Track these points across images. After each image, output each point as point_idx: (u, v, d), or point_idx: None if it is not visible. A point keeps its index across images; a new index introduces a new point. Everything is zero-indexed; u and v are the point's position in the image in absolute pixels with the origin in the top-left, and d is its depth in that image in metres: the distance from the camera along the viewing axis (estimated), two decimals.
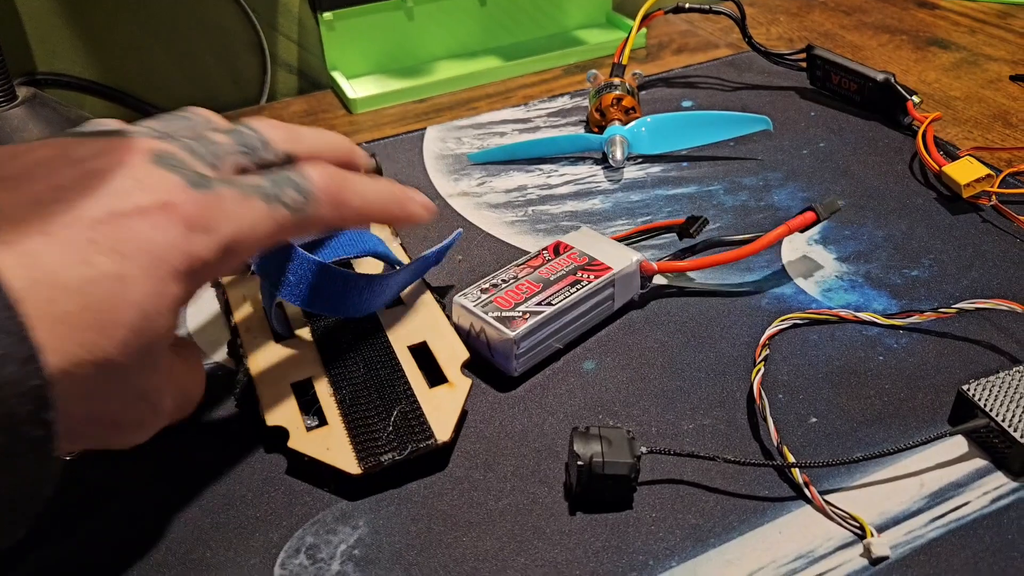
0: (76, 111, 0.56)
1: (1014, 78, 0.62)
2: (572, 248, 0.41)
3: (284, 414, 0.34)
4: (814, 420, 0.35)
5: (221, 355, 0.40)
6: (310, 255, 0.35)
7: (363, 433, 0.33)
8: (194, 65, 0.66)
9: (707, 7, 0.62)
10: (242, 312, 0.40)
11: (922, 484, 0.32)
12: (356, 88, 0.66)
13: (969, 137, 0.55)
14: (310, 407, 0.35)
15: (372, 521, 0.32)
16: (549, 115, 0.60)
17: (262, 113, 0.64)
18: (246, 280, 0.42)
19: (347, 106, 0.64)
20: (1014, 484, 0.32)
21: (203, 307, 0.43)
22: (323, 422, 0.34)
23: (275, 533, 0.31)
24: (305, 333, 0.38)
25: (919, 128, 0.52)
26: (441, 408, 0.34)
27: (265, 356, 0.37)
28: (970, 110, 0.58)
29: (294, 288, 0.36)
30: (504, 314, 0.37)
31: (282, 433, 0.33)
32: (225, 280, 0.42)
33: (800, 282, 0.43)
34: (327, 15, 0.64)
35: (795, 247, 0.45)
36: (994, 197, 0.47)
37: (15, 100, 0.52)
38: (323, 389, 0.35)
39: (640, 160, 0.54)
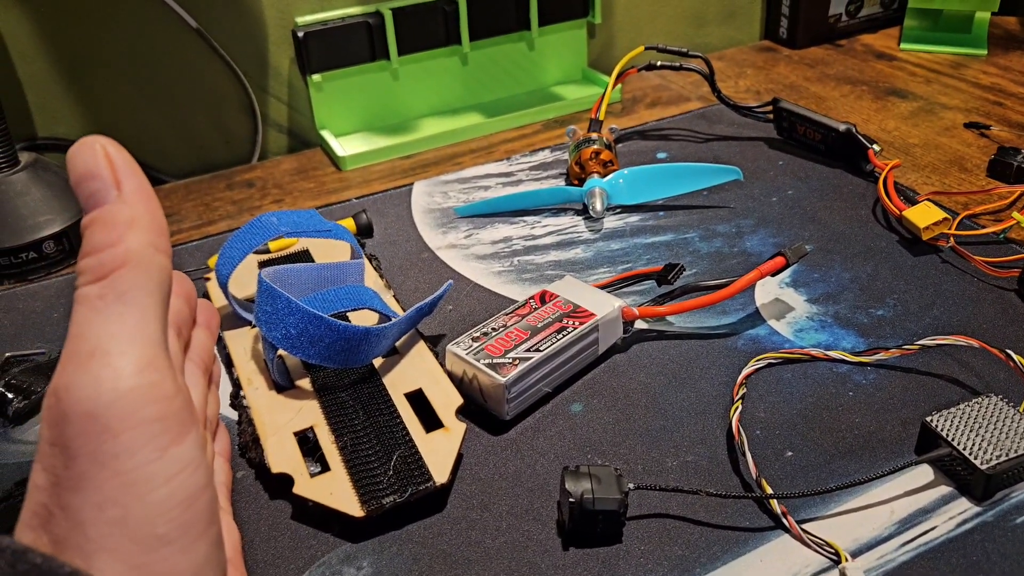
0: None
1: (968, 125, 0.66)
2: (557, 296, 0.43)
3: (288, 461, 0.36)
4: (790, 454, 0.37)
5: (224, 406, 0.42)
6: (310, 309, 0.37)
7: (365, 477, 0.35)
8: (187, 126, 0.69)
9: (678, 64, 0.66)
10: (244, 364, 0.42)
11: (892, 511, 0.34)
12: (345, 146, 0.69)
13: (927, 182, 0.58)
14: (313, 454, 0.37)
15: (375, 562, 0.33)
16: (531, 169, 0.63)
17: (254, 172, 0.67)
18: (246, 333, 0.44)
19: (336, 163, 0.66)
20: (977, 508, 0.34)
21: None
22: (326, 468, 0.35)
23: None
24: (305, 383, 0.40)
25: (880, 175, 0.55)
26: (438, 452, 0.36)
27: (268, 406, 0.39)
28: (928, 156, 0.62)
29: (294, 341, 0.38)
30: (495, 361, 0.39)
31: (287, 480, 0.35)
32: (226, 333, 0.44)
33: (773, 323, 0.45)
34: (316, 77, 0.67)
35: (768, 290, 0.48)
36: (952, 239, 0.50)
37: (18, 165, 0.54)
38: (325, 436, 0.37)
39: (619, 210, 0.57)
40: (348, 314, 0.44)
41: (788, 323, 0.45)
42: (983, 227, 0.52)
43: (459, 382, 0.40)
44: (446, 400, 0.38)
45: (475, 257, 0.53)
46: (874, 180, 0.58)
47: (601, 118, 0.63)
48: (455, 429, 0.37)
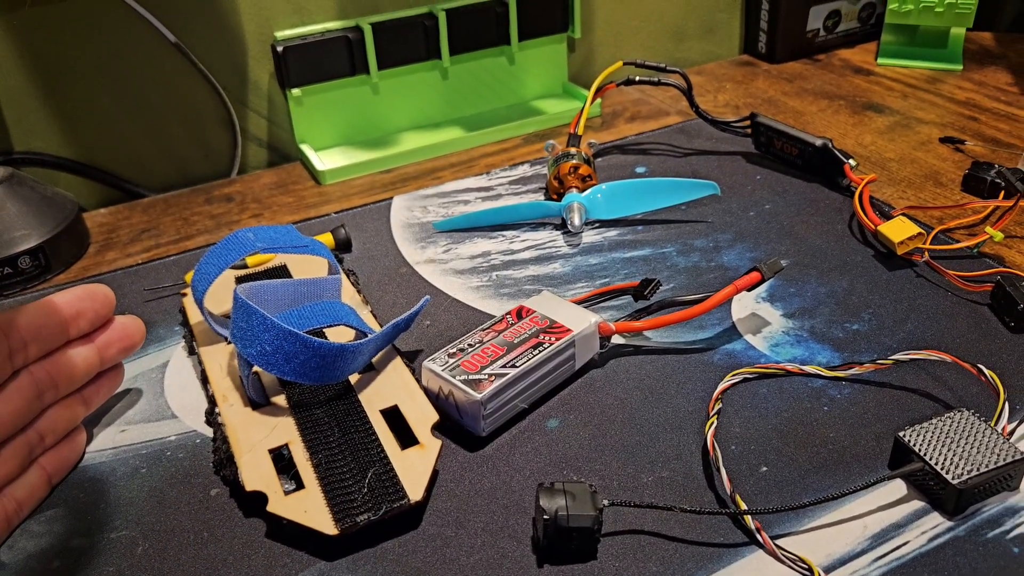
0: (52, 189, 0.57)
1: (943, 140, 0.66)
2: (534, 312, 0.43)
3: (262, 479, 0.35)
4: (765, 469, 0.37)
5: (199, 423, 0.41)
6: (284, 326, 0.37)
7: (339, 495, 0.34)
8: (167, 141, 0.69)
9: (656, 80, 0.66)
10: (219, 381, 0.41)
11: (865, 526, 0.34)
12: (324, 160, 0.68)
13: (903, 196, 0.59)
14: (288, 471, 0.36)
15: None
16: (510, 183, 0.63)
17: (233, 186, 0.66)
18: (222, 349, 0.44)
19: (316, 178, 0.66)
20: (949, 523, 0.34)
21: (181, 376, 0.45)
22: (300, 486, 0.35)
23: None
24: (281, 400, 0.40)
25: (856, 189, 0.55)
26: (413, 469, 0.36)
27: (242, 423, 0.38)
28: (903, 171, 0.62)
29: (270, 357, 0.37)
30: (471, 377, 0.39)
31: (261, 497, 0.35)
32: (202, 349, 0.44)
33: (749, 338, 0.45)
34: (296, 91, 0.67)
35: (744, 305, 0.48)
36: (926, 253, 0.50)
37: None
38: (299, 454, 0.37)
39: (597, 225, 0.57)
40: (324, 330, 0.44)
41: (764, 338, 0.45)
42: (957, 241, 0.52)
43: (435, 398, 0.40)
44: (422, 416, 0.38)
45: (453, 272, 0.53)
46: (850, 195, 0.59)
47: (580, 132, 0.63)
48: (430, 446, 0.37)
